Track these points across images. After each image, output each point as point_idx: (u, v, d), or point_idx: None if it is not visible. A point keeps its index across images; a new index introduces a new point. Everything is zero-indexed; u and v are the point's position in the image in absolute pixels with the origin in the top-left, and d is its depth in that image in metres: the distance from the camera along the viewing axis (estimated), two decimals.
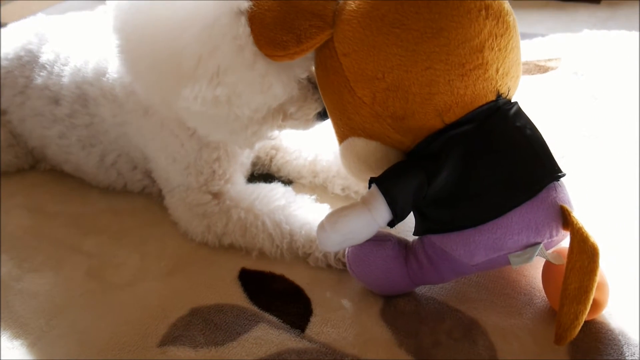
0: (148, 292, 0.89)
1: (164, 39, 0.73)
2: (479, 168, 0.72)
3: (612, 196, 0.97)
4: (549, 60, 1.43)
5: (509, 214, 0.71)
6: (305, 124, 0.88)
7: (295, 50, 0.72)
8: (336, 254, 0.88)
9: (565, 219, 0.71)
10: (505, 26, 0.71)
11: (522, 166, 0.72)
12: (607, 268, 0.77)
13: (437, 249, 0.76)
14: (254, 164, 1.10)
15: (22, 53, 1.10)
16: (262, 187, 0.98)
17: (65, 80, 1.03)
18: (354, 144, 0.79)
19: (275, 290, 0.87)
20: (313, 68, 0.83)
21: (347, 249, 0.84)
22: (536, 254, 0.71)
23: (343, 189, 1.04)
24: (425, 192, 0.73)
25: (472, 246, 0.73)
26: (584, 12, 1.71)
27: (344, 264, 0.88)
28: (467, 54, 0.69)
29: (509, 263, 0.74)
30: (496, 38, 0.71)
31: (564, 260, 0.70)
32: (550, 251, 0.74)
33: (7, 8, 2.11)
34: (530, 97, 1.26)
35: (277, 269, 0.90)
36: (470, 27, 0.69)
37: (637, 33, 1.50)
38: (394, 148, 0.78)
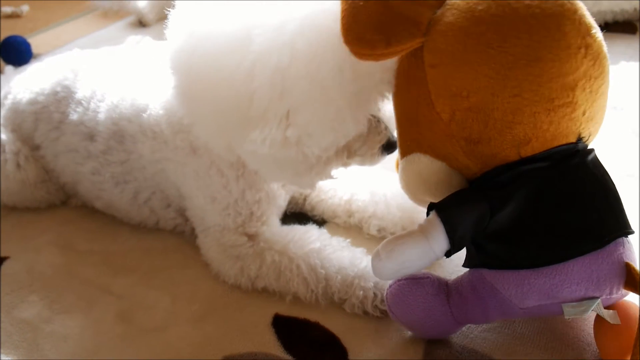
0: (179, 337, 0.86)
1: (232, 84, 0.73)
2: (548, 209, 0.69)
3: None
4: None
5: (571, 262, 0.68)
6: (371, 158, 0.86)
7: (383, 52, 0.69)
8: (373, 300, 0.85)
9: (629, 277, 0.68)
10: (600, 69, 0.70)
11: (594, 215, 0.69)
12: None
13: (487, 284, 0.73)
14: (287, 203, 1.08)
15: (59, 89, 1.10)
16: (297, 229, 0.96)
17: (101, 116, 1.02)
18: (418, 160, 0.77)
19: (310, 339, 0.84)
20: (384, 106, 0.82)
21: (386, 291, 0.81)
22: (592, 308, 0.68)
23: (379, 230, 1.01)
24: (487, 224, 0.70)
25: (525, 288, 0.70)
26: (620, 44, 1.66)
27: (381, 311, 0.85)
28: (558, 89, 0.67)
29: (559, 312, 0.71)
30: (590, 79, 0.69)
31: (619, 320, 0.67)
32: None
33: (38, 38, 2.14)
34: None
35: (312, 316, 0.87)
36: (567, 62, 0.67)
37: None
38: (458, 172, 0.76)
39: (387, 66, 0.76)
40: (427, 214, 0.75)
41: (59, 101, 1.09)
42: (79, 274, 1.01)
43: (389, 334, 0.83)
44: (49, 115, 1.10)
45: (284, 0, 0.72)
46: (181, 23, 0.78)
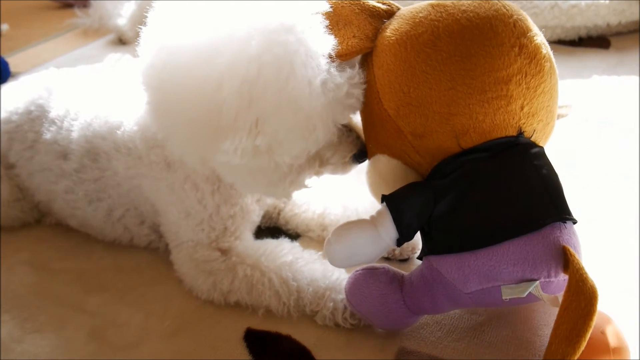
0: (151, 354, 0.86)
1: (202, 95, 0.74)
2: (485, 195, 0.73)
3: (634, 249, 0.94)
4: (560, 107, 1.41)
5: (506, 243, 0.71)
6: (343, 167, 0.88)
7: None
8: (344, 312, 0.86)
9: (567, 261, 0.70)
10: (538, 69, 0.75)
11: (529, 200, 0.73)
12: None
13: (434, 271, 0.76)
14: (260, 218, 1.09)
15: (32, 108, 1.10)
16: (269, 243, 0.96)
17: (74, 134, 1.03)
18: (378, 160, 0.83)
19: (281, 352, 0.84)
20: (355, 117, 0.87)
21: (346, 283, 0.84)
22: (530, 289, 0.69)
23: None
24: (431, 211, 0.74)
25: (466, 270, 0.72)
26: (594, 58, 1.70)
27: (351, 324, 0.86)
28: (491, 83, 0.73)
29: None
30: (526, 76, 0.74)
31: (559, 304, 0.68)
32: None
33: (18, 57, 2.14)
34: None
35: (283, 329, 0.88)
36: (499, 58, 0.73)
37: None
38: (413, 170, 0.81)
39: (354, 81, 0.79)
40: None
41: (32, 120, 1.09)
42: (52, 293, 1.00)
43: (360, 345, 0.84)
44: (23, 135, 1.10)
45: (248, 14, 0.73)
46: (152, 39, 0.79)
